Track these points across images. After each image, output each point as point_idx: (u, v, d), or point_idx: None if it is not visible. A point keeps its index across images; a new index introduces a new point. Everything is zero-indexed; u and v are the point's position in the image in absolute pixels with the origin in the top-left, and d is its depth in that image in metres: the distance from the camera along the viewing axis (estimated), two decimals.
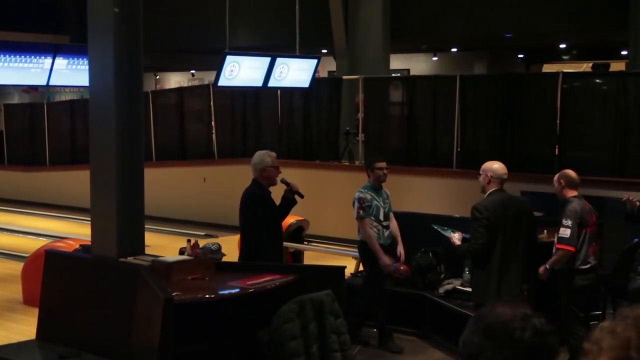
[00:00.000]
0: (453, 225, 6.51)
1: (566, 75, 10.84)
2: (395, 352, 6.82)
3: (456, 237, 6.04)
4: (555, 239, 6.09)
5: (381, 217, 6.85)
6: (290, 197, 6.39)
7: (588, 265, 6.08)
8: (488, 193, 5.83)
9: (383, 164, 6.90)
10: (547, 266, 6.09)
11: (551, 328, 1.71)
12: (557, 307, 6.07)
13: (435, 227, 6.57)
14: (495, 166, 5.88)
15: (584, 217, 6.03)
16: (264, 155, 6.36)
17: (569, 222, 5.99)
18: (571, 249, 5.99)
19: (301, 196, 6.43)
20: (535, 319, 1.71)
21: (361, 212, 6.83)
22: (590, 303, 6.54)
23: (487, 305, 1.79)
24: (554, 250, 6.11)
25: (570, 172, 6.27)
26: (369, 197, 6.83)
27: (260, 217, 6.22)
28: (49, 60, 8.11)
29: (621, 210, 7.96)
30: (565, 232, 5.99)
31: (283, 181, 6.43)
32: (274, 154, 6.45)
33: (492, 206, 5.74)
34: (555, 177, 6.28)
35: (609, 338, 1.07)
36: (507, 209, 5.79)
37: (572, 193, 6.14)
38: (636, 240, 6.69)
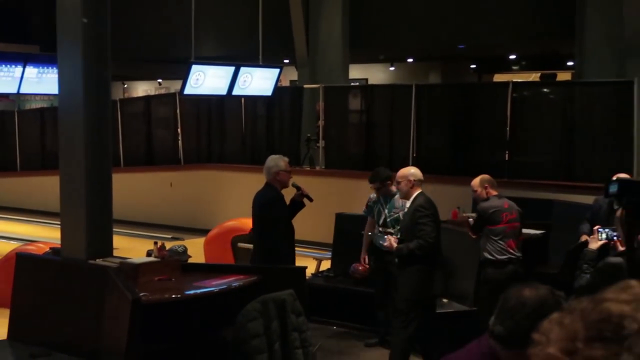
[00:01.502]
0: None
1: (516, 84, 11.16)
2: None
3: (393, 240, 6.03)
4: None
5: (380, 222, 6.88)
6: (300, 201, 6.51)
7: (506, 257, 6.36)
8: (415, 195, 5.98)
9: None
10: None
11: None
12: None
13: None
14: (413, 170, 6.13)
15: (496, 215, 6.41)
16: (277, 160, 6.43)
17: (474, 215, 6.73)
18: (472, 234, 6.62)
19: (310, 200, 6.52)
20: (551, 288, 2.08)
21: (364, 208, 7.11)
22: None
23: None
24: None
25: (489, 176, 6.74)
26: (374, 198, 6.98)
27: (277, 219, 6.31)
28: (19, 69, 8.16)
29: (568, 213, 8.26)
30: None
31: (294, 185, 6.52)
32: (286, 158, 6.52)
33: (431, 204, 5.96)
34: (477, 182, 6.62)
35: (557, 329, 1.08)
36: (436, 209, 6.03)
37: (493, 193, 6.59)
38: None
